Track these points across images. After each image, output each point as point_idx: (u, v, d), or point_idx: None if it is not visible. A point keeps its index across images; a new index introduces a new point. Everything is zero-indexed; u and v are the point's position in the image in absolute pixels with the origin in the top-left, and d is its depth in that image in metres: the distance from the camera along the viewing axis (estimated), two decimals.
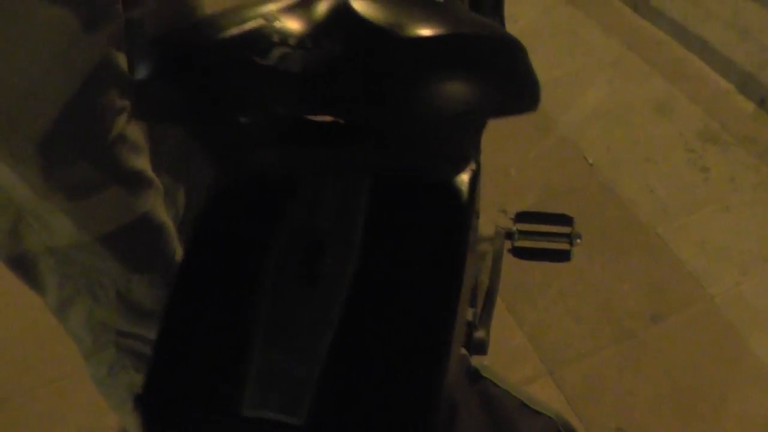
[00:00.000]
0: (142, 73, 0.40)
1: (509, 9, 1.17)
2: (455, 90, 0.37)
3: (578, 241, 1.21)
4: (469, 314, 0.72)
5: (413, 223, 0.43)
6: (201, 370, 0.40)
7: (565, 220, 1.19)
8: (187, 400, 0.39)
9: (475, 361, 0.63)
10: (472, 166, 0.42)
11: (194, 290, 0.43)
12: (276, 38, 0.35)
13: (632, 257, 1.72)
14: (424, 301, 0.41)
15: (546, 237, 1.22)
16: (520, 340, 1.55)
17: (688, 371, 1.51)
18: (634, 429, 1.43)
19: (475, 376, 0.59)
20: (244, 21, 0.37)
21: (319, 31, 0.35)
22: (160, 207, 0.87)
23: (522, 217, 1.19)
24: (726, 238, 1.76)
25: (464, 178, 0.42)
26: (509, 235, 1.16)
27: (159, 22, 0.81)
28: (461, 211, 0.43)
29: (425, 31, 0.37)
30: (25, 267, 0.88)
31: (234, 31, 0.36)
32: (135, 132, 0.78)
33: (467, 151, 0.42)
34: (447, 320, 0.40)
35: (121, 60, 0.73)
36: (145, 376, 0.41)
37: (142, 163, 0.81)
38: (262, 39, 0.35)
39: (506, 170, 1.85)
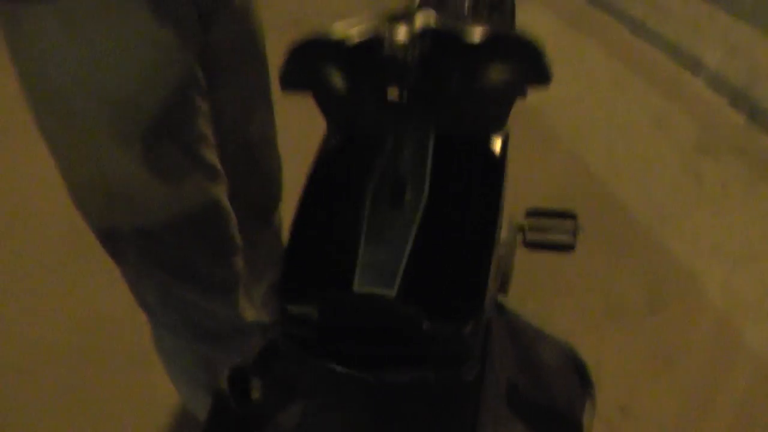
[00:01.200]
0: (289, 69, 0.60)
1: None
2: (499, 73, 0.57)
3: (581, 233, 1.34)
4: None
5: (466, 167, 0.63)
6: (323, 262, 0.58)
7: (568, 215, 1.33)
8: (314, 281, 0.57)
9: (501, 299, 0.81)
10: (506, 131, 0.62)
11: (315, 208, 0.61)
12: (388, 41, 0.56)
13: (631, 256, 1.86)
14: (476, 215, 0.60)
15: (552, 231, 1.35)
16: None
17: (685, 358, 1.63)
18: (637, 408, 1.54)
19: (501, 309, 0.77)
20: (366, 30, 0.58)
21: (415, 36, 0.56)
22: (226, 197, 1.01)
23: (531, 213, 1.32)
24: (717, 238, 1.90)
25: (500, 137, 0.63)
26: (520, 229, 1.30)
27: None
28: (499, 159, 0.63)
29: (479, 37, 0.58)
30: (112, 240, 0.99)
31: (361, 36, 0.57)
32: (209, 133, 0.96)
33: (504, 117, 0.61)
34: (491, 228, 0.59)
35: (197, 70, 0.90)
36: (281, 269, 0.59)
37: (215, 158, 0.98)
38: (380, 41, 0.56)
39: (517, 180, 2.00)
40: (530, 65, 0.58)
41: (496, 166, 0.63)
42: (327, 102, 0.59)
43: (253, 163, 1.22)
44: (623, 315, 1.73)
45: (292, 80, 0.59)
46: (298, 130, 1.19)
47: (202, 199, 0.96)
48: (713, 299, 1.75)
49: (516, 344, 0.77)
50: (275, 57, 1.03)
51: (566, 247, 1.34)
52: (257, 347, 1.14)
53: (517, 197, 2.00)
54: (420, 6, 0.69)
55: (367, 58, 0.56)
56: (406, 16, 0.60)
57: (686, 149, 2.16)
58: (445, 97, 0.56)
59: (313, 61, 0.59)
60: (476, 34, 0.58)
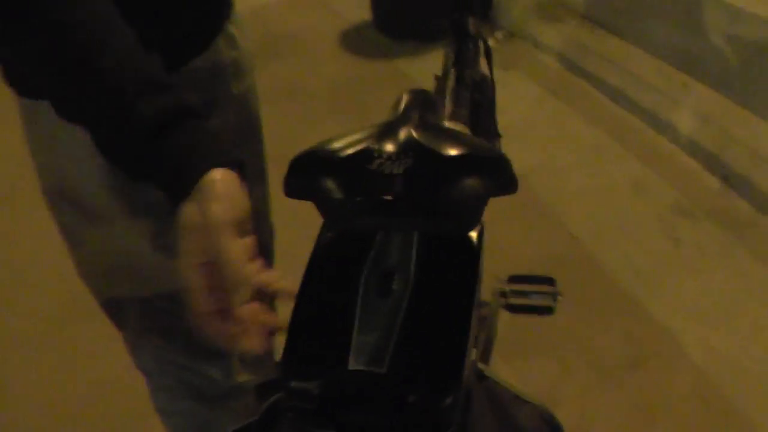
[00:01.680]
0: (291, 181, 0.69)
1: (501, 103, 1.41)
2: (473, 184, 0.66)
3: (559, 297, 1.42)
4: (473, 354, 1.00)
5: (446, 260, 0.73)
6: (322, 344, 0.68)
7: (548, 280, 1.40)
8: (314, 361, 0.67)
9: (480, 365, 0.90)
10: (480, 226, 0.73)
11: (313, 295, 0.71)
12: (376, 154, 0.65)
13: (613, 316, 1.93)
14: (454, 301, 0.70)
15: (533, 295, 1.42)
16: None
17: (667, 415, 1.70)
18: None
19: (480, 376, 0.85)
20: (356, 144, 0.67)
21: (399, 150, 0.65)
22: None
23: (513, 279, 1.40)
24: (695, 297, 1.98)
25: (475, 233, 0.74)
26: (503, 294, 1.37)
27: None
28: (475, 250, 0.74)
29: (455, 152, 0.68)
30: (113, 309, 1.02)
31: (352, 150, 0.66)
32: None
33: (478, 218, 0.71)
34: (467, 311, 0.69)
35: None
36: (283, 352, 0.68)
37: None
38: (369, 154, 0.65)
39: (500, 246, 2.08)
40: (499, 177, 0.68)
41: (473, 256, 0.74)
42: (325, 206, 0.69)
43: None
44: (605, 371, 1.79)
45: (294, 190, 0.69)
46: (289, 201, 1.28)
47: None
48: (692, 356, 1.81)
49: (495, 410, 0.86)
50: (272, 125, 1.12)
51: (546, 310, 1.42)
52: (254, 407, 1.22)
53: (503, 260, 2.09)
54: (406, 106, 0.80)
55: (358, 168, 0.65)
56: (392, 128, 0.70)
57: (664, 212, 2.26)
58: (427, 202, 0.66)
59: (311, 172, 0.69)
60: (452, 149, 0.67)
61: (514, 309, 1.40)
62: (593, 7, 3.17)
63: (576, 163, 2.52)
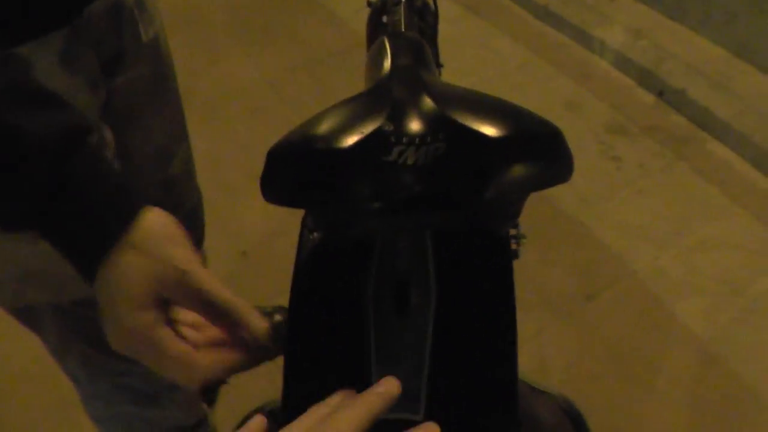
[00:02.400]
0: (273, 183, 0.48)
1: None
2: (524, 172, 0.48)
3: (524, 240, 1.32)
4: None
5: (472, 263, 0.56)
6: (328, 385, 0.49)
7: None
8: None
9: None
10: (515, 222, 0.53)
11: (308, 322, 0.53)
12: (393, 139, 0.45)
13: (561, 246, 1.85)
14: (492, 320, 0.53)
15: None
16: None
17: (623, 340, 1.64)
18: (580, 398, 1.54)
19: None
20: (361, 125, 0.47)
21: (425, 132, 0.46)
22: None
23: None
24: (641, 218, 1.91)
25: (508, 231, 0.57)
26: None
27: None
28: (506, 251, 0.58)
29: (501, 131, 0.48)
30: (27, 317, 0.92)
31: (358, 135, 0.46)
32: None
33: (520, 211, 0.54)
34: (511, 328, 0.53)
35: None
36: (282, 396, 0.51)
37: None
38: (384, 140, 0.45)
39: None
40: (555, 161, 0.51)
41: (504, 257, 0.57)
42: (326, 213, 0.51)
43: (176, 200, 1.15)
44: (560, 307, 1.71)
45: (278, 196, 0.50)
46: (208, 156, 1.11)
47: None
48: (643, 280, 1.76)
49: None
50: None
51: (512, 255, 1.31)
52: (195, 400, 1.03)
53: None
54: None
55: (372, 161, 0.46)
56: (405, 100, 0.49)
57: (600, 132, 2.17)
58: (468, 199, 0.47)
59: (303, 172, 0.49)
60: (496, 125, 0.48)
61: None
62: None
63: (504, 84, 2.39)
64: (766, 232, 1.88)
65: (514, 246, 1.29)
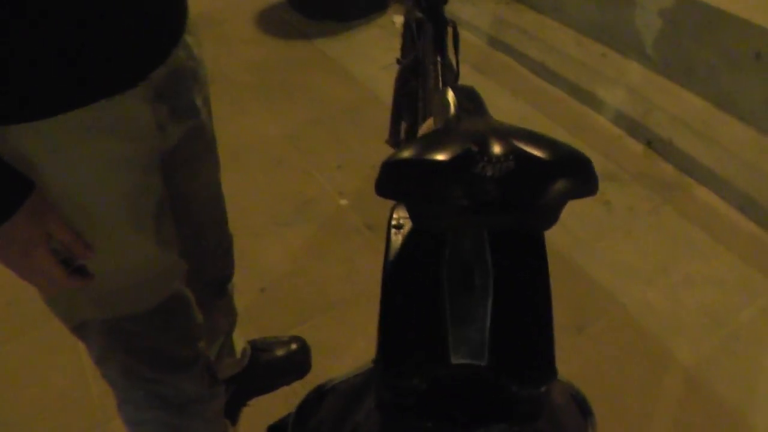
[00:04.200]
0: (390, 180, 0.67)
1: None
2: (565, 186, 0.67)
3: None
4: None
5: (519, 255, 0.78)
6: (417, 342, 0.70)
7: None
8: (411, 360, 0.69)
9: None
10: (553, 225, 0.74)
11: (399, 293, 0.74)
12: (478, 157, 0.64)
13: (555, 282, 1.94)
14: (534, 296, 0.76)
15: None
16: None
17: (612, 369, 1.75)
18: None
19: None
20: (455, 147, 0.66)
21: (501, 155, 0.64)
22: (184, 285, 1.08)
23: None
24: (630, 257, 2.05)
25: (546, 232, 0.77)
26: None
27: None
28: (543, 246, 0.80)
29: (551, 156, 0.67)
30: (78, 329, 1.03)
31: (454, 152, 0.65)
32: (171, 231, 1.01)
33: (559, 216, 0.72)
34: (548, 302, 0.75)
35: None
36: (378, 350, 0.70)
37: (174, 250, 1.03)
38: (473, 158, 0.64)
39: None
40: (586, 179, 0.69)
41: (542, 250, 0.79)
42: (421, 206, 0.69)
43: (212, 244, 1.29)
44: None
45: (390, 191, 0.68)
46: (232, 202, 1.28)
47: (167, 293, 1.03)
48: (633, 313, 1.89)
49: None
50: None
51: None
52: (222, 408, 1.21)
53: None
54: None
55: (463, 171, 0.65)
56: (490, 132, 0.69)
57: None
58: (526, 204, 0.66)
59: (410, 174, 0.68)
60: (547, 153, 0.67)
61: None
62: None
63: None
64: (747, 269, 2.00)
65: None
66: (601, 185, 2.23)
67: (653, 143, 2.42)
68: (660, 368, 1.76)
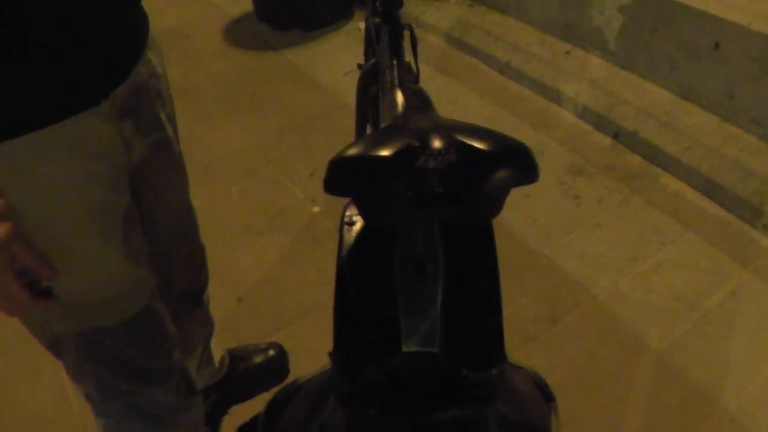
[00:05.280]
0: (336, 177, 0.69)
1: None
2: (506, 175, 0.68)
3: None
4: None
5: (467, 245, 0.79)
6: (370, 333, 0.73)
7: None
8: (365, 350, 0.72)
9: None
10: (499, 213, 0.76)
11: (351, 284, 0.76)
12: (420, 151, 0.66)
13: (527, 276, 2.00)
14: (483, 284, 0.77)
15: None
16: None
17: (586, 357, 1.78)
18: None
19: None
20: (397, 142, 0.68)
21: (443, 148, 0.66)
22: (156, 297, 1.08)
23: None
24: (600, 248, 2.08)
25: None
26: None
27: None
28: (491, 235, 0.80)
29: (491, 147, 0.69)
30: (54, 344, 1.03)
31: (396, 148, 0.67)
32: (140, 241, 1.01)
33: (502, 205, 0.73)
34: (497, 289, 0.76)
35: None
36: (334, 343, 0.73)
37: (144, 264, 1.03)
38: (414, 152, 0.66)
39: None
40: (527, 167, 0.71)
41: (490, 240, 0.80)
42: (369, 201, 0.71)
43: (184, 257, 1.30)
44: (527, 332, 1.85)
45: (337, 187, 0.70)
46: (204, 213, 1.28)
47: (138, 306, 1.03)
48: (605, 303, 1.91)
49: None
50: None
51: None
52: (202, 416, 1.23)
53: None
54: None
55: (406, 165, 0.67)
56: (429, 128, 0.71)
57: (562, 174, 2.36)
58: (470, 194, 0.68)
59: (355, 170, 0.70)
60: (487, 144, 0.69)
61: None
62: None
63: None
64: (716, 254, 2.03)
65: None
66: (570, 180, 2.28)
67: (620, 136, 2.45)
68: (633, 354, 1.79)
